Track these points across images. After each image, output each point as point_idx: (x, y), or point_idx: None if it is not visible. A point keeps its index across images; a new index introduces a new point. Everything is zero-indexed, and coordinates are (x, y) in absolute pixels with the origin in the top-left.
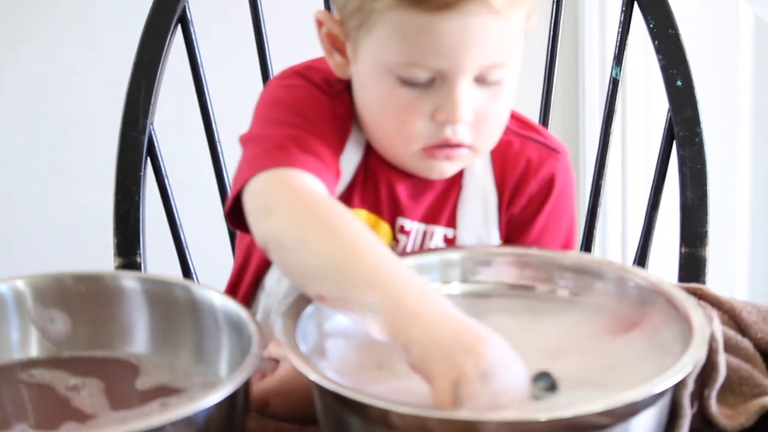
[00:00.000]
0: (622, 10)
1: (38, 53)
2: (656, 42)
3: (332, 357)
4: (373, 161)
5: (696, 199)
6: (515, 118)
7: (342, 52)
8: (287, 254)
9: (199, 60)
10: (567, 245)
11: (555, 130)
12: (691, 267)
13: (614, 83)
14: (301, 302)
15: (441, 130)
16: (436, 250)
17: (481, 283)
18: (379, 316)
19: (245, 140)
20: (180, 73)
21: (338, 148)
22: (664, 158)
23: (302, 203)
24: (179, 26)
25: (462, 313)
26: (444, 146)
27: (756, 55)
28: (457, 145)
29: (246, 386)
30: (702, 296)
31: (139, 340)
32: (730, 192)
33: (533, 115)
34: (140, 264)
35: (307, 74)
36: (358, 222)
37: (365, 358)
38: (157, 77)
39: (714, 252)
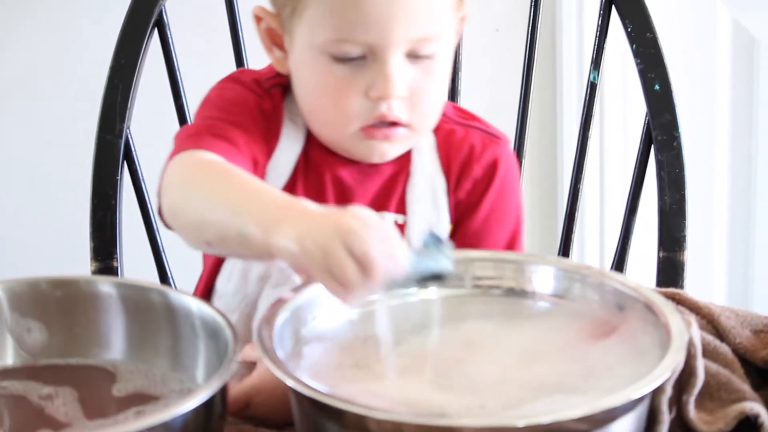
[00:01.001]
0: (599, 13)
1: (14, 55)
2: (634, 46)
3: (309, 360)
4: (314, 152)
5: (674, 203)
6: (457, 108)
7: (280, 46)
8: (180, 219)
9: (175, 63)
10: (515, 234)
11: (533, 134)
12: (669, 271)
13: (592, 87)
14: (276, 308)
15: (376, 106)
16: None
17: (459, 288)
18: (250, 238)
19: (174, 139)
20: (157, 76)
21: (260, 140)
22: (642, 162)
23: (189, 171)
24: (156, 30)
25: (327, 207)
26: (382, 126)
27: (733, 59)
28: (395, 124)
29: (223, 391)
30: (680, 301)
31: (115, 346)
32: (708, 196)
33: (511, 119)
34: (117, 268)
35: (239, 77)
36: (235, 168)
37: (343, 358)
38: (134, 81)
39: (692, 256)
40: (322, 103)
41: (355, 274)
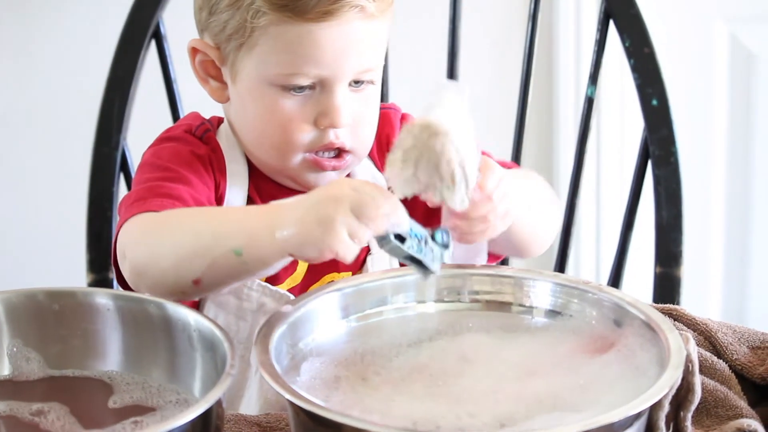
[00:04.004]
0: (597, 28)
1: (11, 66)
2: (632, 61)
3: (307, 375)
4: (263, 185)
5: (671, 218)
6: None
7: (216, 77)
8: (151, 272)
9: (172, 75)
10: None
11: (529, 149)
12: (666, 287)
13: (589, 102)
14: (273, 322)
15: (324, 135)
16: None
17: (457, 302)
18: (245, 253)
19: (119, 209)
20: (154, 87)
21: (206, 187)
22: (639, 178)
23: (147, 227)
24: (153, 41)
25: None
26: (330, 157)
27: (731, 74)
28: (341, 154)
29: (219, 404)
30: (677, 317)
31: (112, 358)
32: (704, 212)
33: (507, 133)
34: (112, 280)
35: (170, 135)
36: (192, 208)
37: (340, 372)
38: (131, 93)
39: (688, 271)
40: (270, 131)
41: (364, 230)
